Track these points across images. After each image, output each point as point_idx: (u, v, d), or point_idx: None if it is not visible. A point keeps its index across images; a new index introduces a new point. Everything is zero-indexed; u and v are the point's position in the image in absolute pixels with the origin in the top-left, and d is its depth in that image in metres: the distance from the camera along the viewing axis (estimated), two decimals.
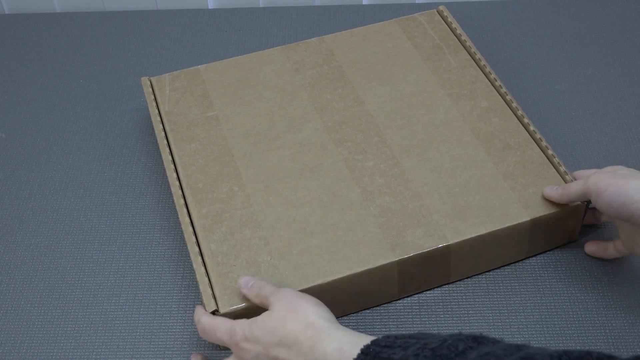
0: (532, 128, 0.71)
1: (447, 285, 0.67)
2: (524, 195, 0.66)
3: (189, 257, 0.65)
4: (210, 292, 0.61)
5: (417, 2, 0.99)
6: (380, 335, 0.51)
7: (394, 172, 0.69)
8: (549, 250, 0.70)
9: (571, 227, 0.68)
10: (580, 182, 0.63)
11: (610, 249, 0.67)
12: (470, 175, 0.68)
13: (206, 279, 0.62)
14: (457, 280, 0.68)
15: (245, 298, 0.60)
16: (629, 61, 0.87)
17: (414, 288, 0.66)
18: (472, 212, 0.65)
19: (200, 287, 0.61)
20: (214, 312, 0.60)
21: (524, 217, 0.65)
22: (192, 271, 0.68)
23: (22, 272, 0.69)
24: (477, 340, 0.48)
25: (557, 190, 0.65)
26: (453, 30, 0.82)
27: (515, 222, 0.64)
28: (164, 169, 0.73)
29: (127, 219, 0.73)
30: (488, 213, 0.65)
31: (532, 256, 0.69)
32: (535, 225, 0.65)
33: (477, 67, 0.78)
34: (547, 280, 0.67)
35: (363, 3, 1.00)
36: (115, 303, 0.67)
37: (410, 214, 0.65)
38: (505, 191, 0.67)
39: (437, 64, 0.78)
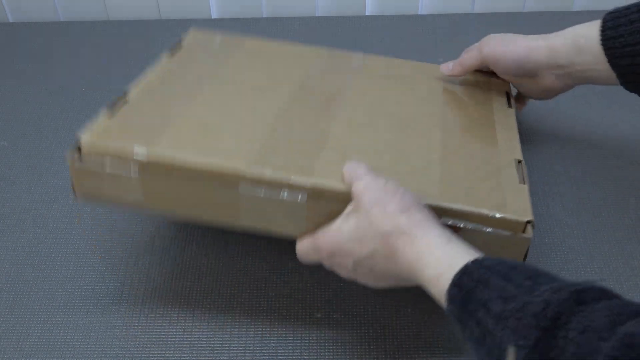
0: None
1: None
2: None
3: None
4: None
5: (420, 13, 0.99)
6: (470, 259, 0.47)
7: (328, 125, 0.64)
8: None
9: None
10: (473, 54, 0.69)
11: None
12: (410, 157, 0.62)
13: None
14: None
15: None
16: None
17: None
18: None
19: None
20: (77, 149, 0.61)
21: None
22: (194, 281, 0.68)
23: (22, 281, 0.69)
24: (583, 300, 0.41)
25: (454, 67, 0.70)
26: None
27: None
28: None
29: (128, 227, 0.73)
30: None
31: None
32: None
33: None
34: None
35: (365, 14, 1.00)
36: (116, 311, 0.67)
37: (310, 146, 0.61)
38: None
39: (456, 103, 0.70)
